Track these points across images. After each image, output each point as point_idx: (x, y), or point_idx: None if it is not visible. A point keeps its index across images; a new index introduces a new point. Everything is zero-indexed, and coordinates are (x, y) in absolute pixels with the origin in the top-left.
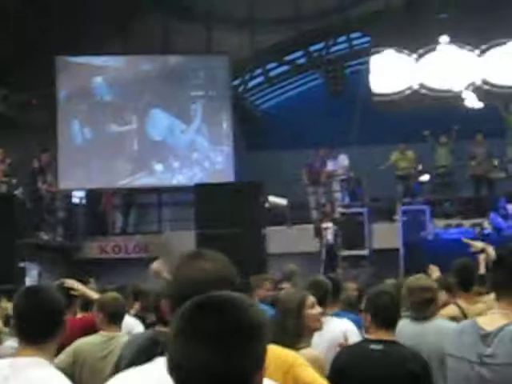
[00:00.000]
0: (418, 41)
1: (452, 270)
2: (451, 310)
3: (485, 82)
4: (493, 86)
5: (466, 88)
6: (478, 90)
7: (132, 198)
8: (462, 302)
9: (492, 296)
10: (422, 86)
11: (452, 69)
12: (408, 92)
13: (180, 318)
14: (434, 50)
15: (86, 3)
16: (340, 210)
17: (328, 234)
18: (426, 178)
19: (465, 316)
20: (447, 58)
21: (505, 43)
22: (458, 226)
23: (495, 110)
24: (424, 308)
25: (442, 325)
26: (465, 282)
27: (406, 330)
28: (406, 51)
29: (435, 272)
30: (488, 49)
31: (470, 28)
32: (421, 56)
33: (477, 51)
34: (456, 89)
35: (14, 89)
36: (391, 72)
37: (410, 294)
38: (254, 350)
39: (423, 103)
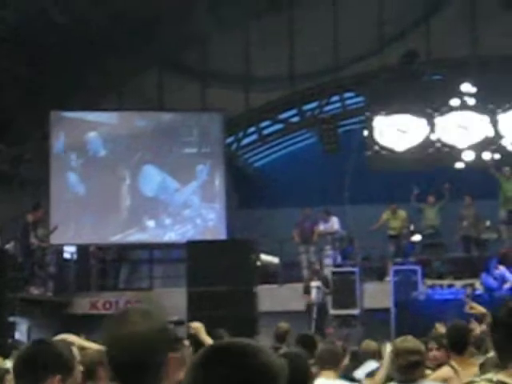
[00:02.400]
0: (411, 102)
1: (445, 333)
2: (445, 372)
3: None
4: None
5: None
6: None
7: (123, 254)
8: (455, 364)
9: (489, 356)
10: (417, 146)
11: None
12: (403, 152)
13: (198, 366)
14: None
15: (81, 59)
16: (331, 268)
17: (317, 293)
18: (417, 238)
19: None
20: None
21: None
22: (450, 286)
23: (486, 171)
24: (411, 371)
25: None
26: (457, 344)
27: None
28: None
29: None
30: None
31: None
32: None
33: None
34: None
35: (8, 143)
36: (386, 132)
37: (397, 357)
38: None
39: (417, 163)
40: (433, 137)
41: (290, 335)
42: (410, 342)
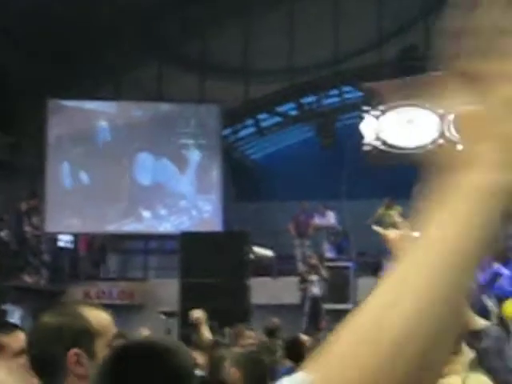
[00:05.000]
0: (408, 95)
1: None
2: None
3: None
4: None
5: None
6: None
7: (113, 244)
8: None
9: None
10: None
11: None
12: (397, 147)
13: (104, 364)
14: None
15: (81, 49)
16: (326, 263)
17: (313, 287)
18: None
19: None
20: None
21: None
22: None
23: None
24: None
25: None
26: None
27: None
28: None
29: None
30: None
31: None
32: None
33: None
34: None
35: (5, 130)
36: (382, 127)
37: None
38: None
39: (412, 158)
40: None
41: (279, 331)
42: None
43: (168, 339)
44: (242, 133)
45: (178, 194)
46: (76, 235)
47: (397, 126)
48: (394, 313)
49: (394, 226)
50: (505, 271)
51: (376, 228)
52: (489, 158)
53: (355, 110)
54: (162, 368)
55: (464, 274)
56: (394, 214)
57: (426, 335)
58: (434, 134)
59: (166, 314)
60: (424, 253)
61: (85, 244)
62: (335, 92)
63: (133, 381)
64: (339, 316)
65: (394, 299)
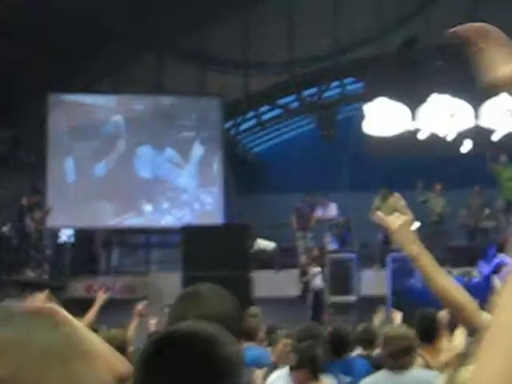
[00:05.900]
0: (411, 88)
1: (413, 320)
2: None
3: (477, 131)
4: (484, 135)
5: (459, 136)
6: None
7: (119, 238)
8: (425, 354)
9: (456, 343)
10: (414, 132)
11: (445, 116)
12: (400, 138)
13: (146, 352)
14: (427, 97)
15: (80, 43)
16: (329, 255)
17: (316, 280)
18: (416, 225)
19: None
20: (441, 106)
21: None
22: (448, 273)
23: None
24: (402, 356)
25: (419, 375)
26: (425, 332)
27: (384, 381)
28: (399, 98)
29: (398, 317)
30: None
31: (464, 76)
32: (414, 103)
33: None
34: (449, 137)
35: (5, 125)
36: (384, 118)
37: (386, 343)
38: None
39: (415, 150)
40: (418, 124)
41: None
42: (399, 328)
43: (210, 327)
44: (243, 126)
45: (180, 187)
46: (78, 230)
47: (396, 116)
48: None
49: (393, 213)
50: (509, 261)
51: (376, 216)
52: None
53: (356, 102)
54: (205, 357)
55: None
56: (396, 201)
57: None
58: (434, 124)
59: (169, 307)
60: None
61: (98, 240)
62: (336, 84)
63: (175, 371)
64: (342, 308)
65: None
